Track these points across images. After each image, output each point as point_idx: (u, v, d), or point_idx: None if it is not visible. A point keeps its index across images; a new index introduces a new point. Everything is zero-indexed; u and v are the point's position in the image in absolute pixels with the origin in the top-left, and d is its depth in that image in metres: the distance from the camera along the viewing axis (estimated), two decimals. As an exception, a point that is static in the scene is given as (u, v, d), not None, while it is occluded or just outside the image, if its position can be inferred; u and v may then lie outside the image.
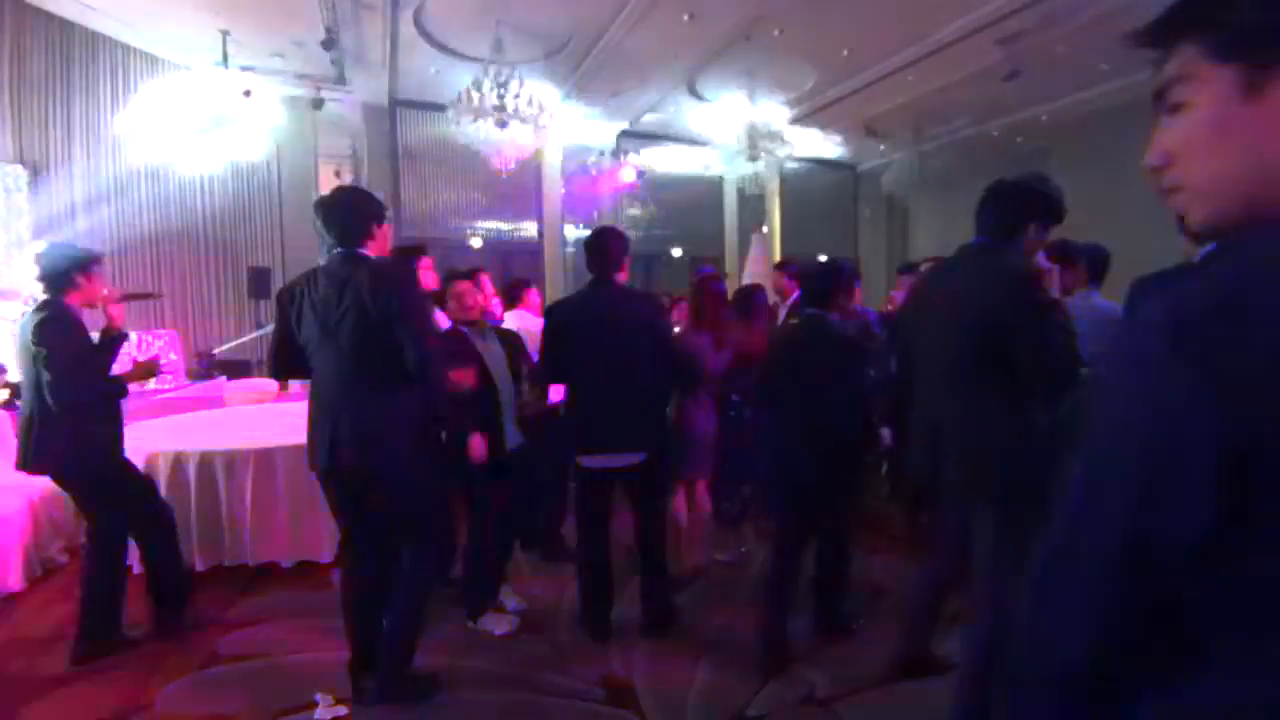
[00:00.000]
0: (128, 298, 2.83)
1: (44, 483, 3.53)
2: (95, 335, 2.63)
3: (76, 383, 2.44)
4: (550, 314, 2.71)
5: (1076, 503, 0.56)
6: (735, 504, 3.52)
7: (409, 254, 2.96)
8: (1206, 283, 0.49)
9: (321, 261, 2.16)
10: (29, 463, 2.49)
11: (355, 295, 2.01)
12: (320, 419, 2.09)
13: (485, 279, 3.22)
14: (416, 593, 2.22)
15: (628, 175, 9.91)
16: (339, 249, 2.10)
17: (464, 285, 2.78)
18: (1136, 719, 0.55)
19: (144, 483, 2.79)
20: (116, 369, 2.67)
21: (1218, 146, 0.56)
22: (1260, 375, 0.44)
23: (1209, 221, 0.57)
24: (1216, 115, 0.55)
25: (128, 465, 2.68)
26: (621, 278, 2.62)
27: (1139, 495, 0.51)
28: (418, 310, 2.09)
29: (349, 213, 2.12)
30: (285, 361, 2.18)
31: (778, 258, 11.17)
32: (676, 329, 3.43)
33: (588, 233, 2.99)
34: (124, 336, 2.73)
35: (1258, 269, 0.48)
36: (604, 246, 2.59)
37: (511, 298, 3.96)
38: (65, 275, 2.54)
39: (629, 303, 2.61)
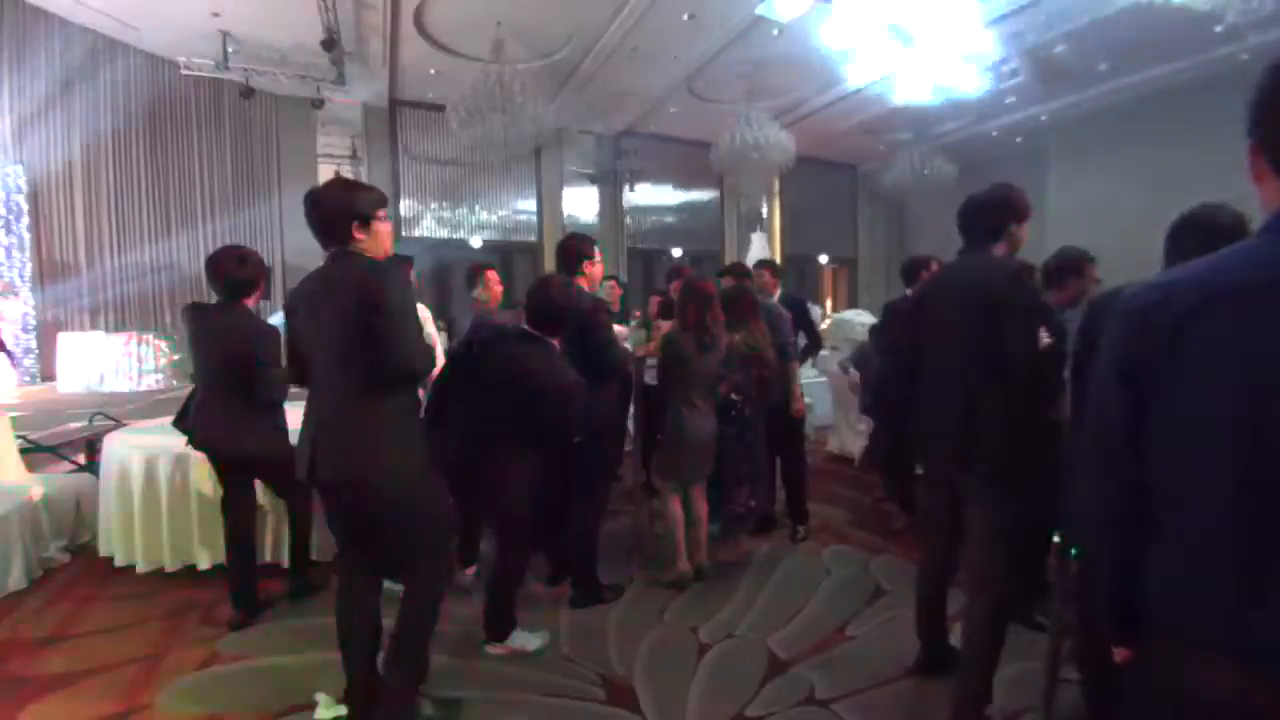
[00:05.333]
0: None
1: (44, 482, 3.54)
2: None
3: None
4: None
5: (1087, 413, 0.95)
6: (739, 504, 3.50)
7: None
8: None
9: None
10: None
11: (340, 296, 1.90)
12: (306, 427, 2.00)
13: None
14: (410, 638, 2.04)
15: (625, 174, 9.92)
16: (332, 247, 1.99)
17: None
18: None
19: None
20: None
21: None
22: (1106, 333, 0.91)
23: None
24: None
25: None
26: (582, 280, 2.99)
27: (1099, 403, 0.91)
28: (401, 313, 1.90)
29: (330, 208, 1.98)
30: (297, 366, 2.12)
31: (778, 257, 11.17)
32: (664, 328, 3.52)
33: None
34: None
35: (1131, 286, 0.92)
36: (562, 251, 3.07)
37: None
38: None
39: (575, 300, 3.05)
